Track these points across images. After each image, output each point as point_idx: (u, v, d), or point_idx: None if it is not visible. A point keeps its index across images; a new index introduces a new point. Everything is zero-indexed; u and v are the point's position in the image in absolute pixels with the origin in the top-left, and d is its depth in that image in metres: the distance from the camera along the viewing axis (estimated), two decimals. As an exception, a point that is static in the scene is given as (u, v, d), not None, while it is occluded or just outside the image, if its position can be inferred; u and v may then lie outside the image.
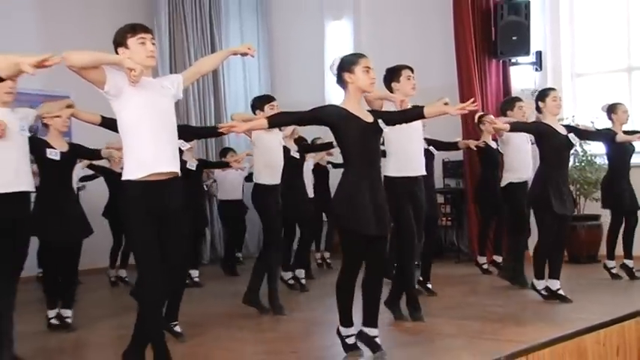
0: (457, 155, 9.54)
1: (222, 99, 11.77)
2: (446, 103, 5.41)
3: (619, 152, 7.60)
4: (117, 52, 4.19)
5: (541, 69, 9.86)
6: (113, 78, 4.00)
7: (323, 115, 4.53)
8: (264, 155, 6.46)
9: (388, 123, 4.62)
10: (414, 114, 4.88)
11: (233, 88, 12.09)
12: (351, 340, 4.48)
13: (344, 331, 4.53)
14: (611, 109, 7.50)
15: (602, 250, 8.80)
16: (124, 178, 4.16)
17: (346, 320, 4.51)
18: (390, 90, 5.37)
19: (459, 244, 10.16)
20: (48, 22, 10.43)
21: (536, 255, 6.56)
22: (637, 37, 9.71)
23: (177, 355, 4.36)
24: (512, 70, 10.07)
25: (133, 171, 4.10)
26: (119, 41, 4.19)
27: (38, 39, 10.19)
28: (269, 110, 6.18)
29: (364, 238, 4.43)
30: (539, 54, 9.83)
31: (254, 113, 6.35)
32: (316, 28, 11.78)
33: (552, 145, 6.37)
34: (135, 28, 4.21)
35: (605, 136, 7.44)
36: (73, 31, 10.15)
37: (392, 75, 5.40)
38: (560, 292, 6.38)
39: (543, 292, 6.44)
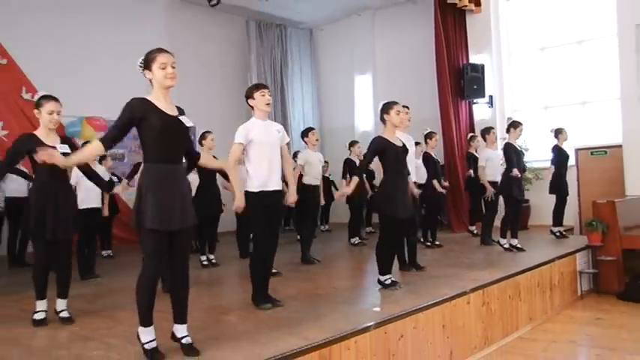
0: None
1: (289, 124, 12.91)
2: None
3: (561, 158, 8.29)
4: (247, 102, 4.66)
5: (492, 106, 11.00)
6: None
7: (375, 148, 5.10)
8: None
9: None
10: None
11: (296, 116, 13.39)
12: (388, 281, 5.02)
13: (384, 277, 5.06)
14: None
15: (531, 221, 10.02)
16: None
17: (388, 270, 5.09)
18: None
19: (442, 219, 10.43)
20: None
21: (503, 223, 7.39)
22: (550, 85, 10.80)
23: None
24: (474, 107, 11.13)
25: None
26: (248, 94, 4.66)
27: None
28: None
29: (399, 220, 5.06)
30: (491, 97, 10.96)
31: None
32: (348, 79, 13.25)
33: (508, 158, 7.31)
34: (258, 86, 4.70)
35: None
36: (194, 80, 10.97)
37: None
38: (519, 245, 7.24)
39: (505, 246, 7.26)
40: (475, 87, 10.78)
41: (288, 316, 4.27)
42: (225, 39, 12.75)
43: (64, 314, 4.40)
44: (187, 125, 3.45)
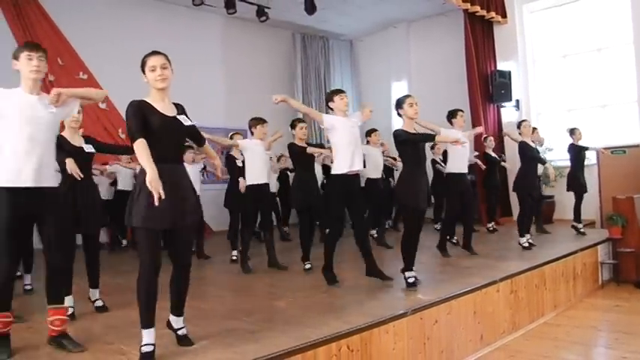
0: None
1: None
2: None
3: (576, 156, 7.94)
4: (327, 105, 4.83)
5: (519, 109, 10.80)
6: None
7: (404, 136, 4.70)
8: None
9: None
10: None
11: None
12: (411, 280, 4.64)
13: (408, 274, 4.70)
14: (451, 115, 6.68)
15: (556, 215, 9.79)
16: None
17: (411, 265, 4.74)
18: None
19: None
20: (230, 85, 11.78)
21: (519, 222, 6.89)
22: (572, 90, 10.56)
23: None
24: (502, 110, 10.91)
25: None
26: (329, 98, 4.81)
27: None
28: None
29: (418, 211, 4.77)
30: (517, 101, 10.79)
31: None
32: (386, 85, 13.07)
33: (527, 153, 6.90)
34: (337, 91, 4.83)
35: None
36: (246, 88, 11.70)
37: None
38: (530, 241, 6.78)
39: (525, 245, 6.69)
40: (503, 92, 10.63)
41: (333, 302, 4.29)
42: (273, 51, 12.84)
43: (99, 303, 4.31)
44: (186, 124, 3.20)
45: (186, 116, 3.26)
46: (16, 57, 3.30)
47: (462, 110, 6.76)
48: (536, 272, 5.55)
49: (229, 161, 7.10)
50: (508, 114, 11.03)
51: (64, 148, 4.07)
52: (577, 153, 8.03)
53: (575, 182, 8.03)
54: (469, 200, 6.53)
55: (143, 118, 3.02)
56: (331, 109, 4.89)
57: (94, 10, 9.82)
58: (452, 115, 6.56)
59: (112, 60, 9.61)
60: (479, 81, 10.67)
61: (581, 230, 7.97)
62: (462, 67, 10.87)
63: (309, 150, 6.02)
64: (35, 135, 3.18)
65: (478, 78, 10.67)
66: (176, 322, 3.34)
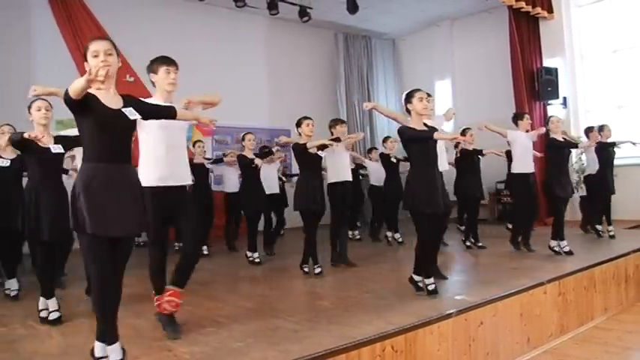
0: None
1: (375, 128, 13.01)
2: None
3: (604, 155, 7.59)
4: (406, 107, 4.48)
5: (566, 107, 10.48)
6: None
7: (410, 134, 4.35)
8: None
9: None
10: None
11: (381, 121, 12.94)
12: (431, 287, 4.39)
13: (416, 278, 4.49)
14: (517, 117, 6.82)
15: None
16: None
17: (419, 271, 4.47)
18: (408, 111, 4.51)
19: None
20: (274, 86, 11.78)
21: (552, 225, 6.44)
22: (623, 86, 10.21)
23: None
24: (549, 108, 10.42)
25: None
26: (406, 99, 4.47)
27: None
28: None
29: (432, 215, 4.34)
30: (564, 98, 10.46)
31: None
32: (429, 84, 12.47)
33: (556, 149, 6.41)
34: (416, 91, 4.41)
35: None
36: (289, 89, 11.79)
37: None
38: (556, 248, 6.29)
39: (556, 249, 6.29)
40: (549, 89, 10.38)
41: (376, 303, 4.27)
42: (315, 51, 12.85)
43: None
44: (131, 118, 2.87)
45: (138, 108, 2.94)
46: (154, 70, 3.62)
47: (527, 113, 6.98)
48: (585, 274, 5.38)
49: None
50: (555, 112, 10.38)
51: (29, 149, 3.96)
52: (604, 150, 7.64)
53: (600, 182, 7.66)
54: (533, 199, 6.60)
55: (87, 105, 2.70)
56: (409, 111, 4.53)
57: (137, 12, 9.99)
58: (518, 117, 6.67)
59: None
60: (524, 78, 10.45)
61: (611, 233, 7.51)
62: (506, 64, 10.70)
63: (309, 145, 5.59)
64: (171, 139, 3.50)
65: (524, 75, 10.47)
66: (105, 350, 2.88)
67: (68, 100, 2.61)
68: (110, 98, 2.84)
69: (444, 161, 5.49)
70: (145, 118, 3.04)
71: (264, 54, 11.91)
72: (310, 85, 12.47)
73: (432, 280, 4.42)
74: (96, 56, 2.79)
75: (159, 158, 3.48)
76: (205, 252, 7.16)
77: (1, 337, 3.67)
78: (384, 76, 13.78)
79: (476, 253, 6.56)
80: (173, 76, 3.59)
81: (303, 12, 10.77)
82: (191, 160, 6.71)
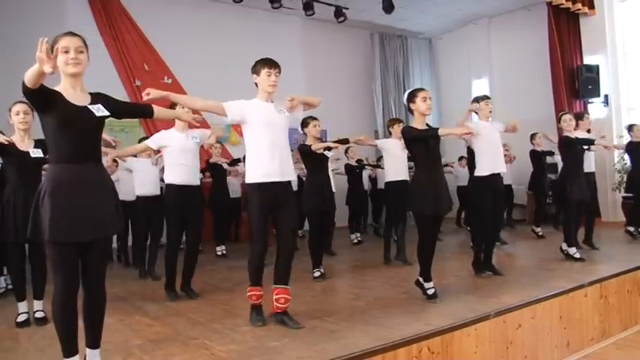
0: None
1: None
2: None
3: (633, 155, 7.52)
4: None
5: (608, 105, 10.25)
6: None
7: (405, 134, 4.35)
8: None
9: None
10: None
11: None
12: (431, 291, 4.32)
13: (425, 284, 4.38)
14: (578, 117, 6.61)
15: None
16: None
17: (427, 275, 4.38)
18: (410, 111, 4.41)
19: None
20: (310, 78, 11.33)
21: (563, 228, 6.11)
22: None
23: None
24: (590, 107, 10.32)
25: None
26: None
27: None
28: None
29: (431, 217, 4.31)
30: (606, 96, 10.23)
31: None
32: (466, 83, 12.74)
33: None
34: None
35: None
36: (325, 89, 11.08)
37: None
38: (570, 253, 5.95)
39: (570, 253, 5.96)
40: (590, 87, 10.21)
41: (413, 303, 4.24)
42: (351, 51, 12.83)
43: (39, 314, 4.04)
44: (97, 115, 2.71)
45: (108, 106, 2.79)
46: (257, 72, 3.80)
47: (588, 113, 7.27)
48: (628, 277, 5.22)
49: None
50: (596, 110, 10.50)
51: (6, 153, 3.93)
52: (634, 150, 7.51)
53: (634, 183, 7.49)
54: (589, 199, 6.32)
55: (49, 101, 2.57)
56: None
57: (173, 15, 10.15)
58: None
59: (194, 63, 9.95)
60: (564, 76, 10.41)
61: (634, 233, 7.48)
62: (545, 62, 10.60)
63: (314, 147, 5.53)
64: (274, 137, 3.65)
65: (563, 73, 10.43)
66: (91, 355, 2.80)
67: (26, 91, 2.44)
68: (76, 95, 2.69)
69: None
70: (116, 116, 2.86)
71: (299, 55, 11.93)
72: (346, 86, 12.45)
73: (431, 284, 4.37)
74: (66, 52, 2.63)
75: (263, 155, 3.63)
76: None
77: None
78: (421, 76, 13.70)
79: (512, 254, 6.43)
80: (274, 79, 3.76)
81: (339, 12, 10.84)
82: (207, 161, 7.45)
